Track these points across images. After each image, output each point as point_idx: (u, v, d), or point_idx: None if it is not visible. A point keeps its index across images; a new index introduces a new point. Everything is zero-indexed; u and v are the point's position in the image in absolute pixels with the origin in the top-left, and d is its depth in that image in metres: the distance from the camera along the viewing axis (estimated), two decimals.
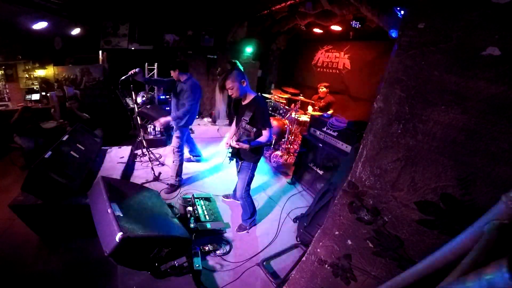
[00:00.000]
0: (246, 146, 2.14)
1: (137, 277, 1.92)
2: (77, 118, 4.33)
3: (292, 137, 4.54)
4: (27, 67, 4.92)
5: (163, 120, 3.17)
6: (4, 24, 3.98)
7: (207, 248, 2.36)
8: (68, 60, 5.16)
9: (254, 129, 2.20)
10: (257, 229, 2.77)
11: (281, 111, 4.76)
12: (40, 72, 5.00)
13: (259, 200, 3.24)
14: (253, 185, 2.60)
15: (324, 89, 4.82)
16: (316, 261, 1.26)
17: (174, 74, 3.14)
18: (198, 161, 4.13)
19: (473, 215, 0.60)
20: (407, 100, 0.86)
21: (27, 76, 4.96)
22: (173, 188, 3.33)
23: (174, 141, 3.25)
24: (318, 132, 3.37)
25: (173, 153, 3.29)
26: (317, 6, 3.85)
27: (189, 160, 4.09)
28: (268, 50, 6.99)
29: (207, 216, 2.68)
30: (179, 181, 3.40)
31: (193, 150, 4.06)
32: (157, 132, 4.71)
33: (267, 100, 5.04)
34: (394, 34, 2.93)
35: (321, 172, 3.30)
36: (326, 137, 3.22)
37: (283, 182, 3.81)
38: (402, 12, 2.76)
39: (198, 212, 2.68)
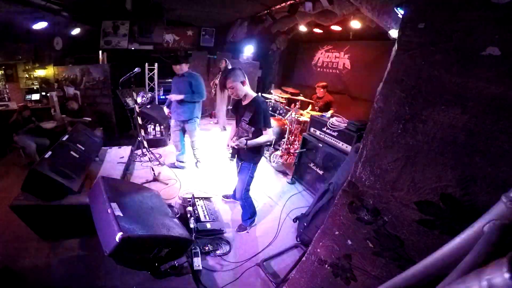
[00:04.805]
0: (245, 145, 2.14)
1: (137, 277, 1.92)
2: (77, 117, 4.32)
3: (292, 137, 4.54)
4: (27, 67, 4.91)
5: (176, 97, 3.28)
6: (4, 24, 3.98)
7: (207, 248, 2.37)
8: (68, 60, 5.15)
9: (253, 129, 2.20)
10: (257, 229, 2.77)
11: (281, 111, 4.75)
12: (40, 72, 4.99)
13: (259, 200, 3.23)
14: (253, 185, 2.60)
15: (322, 89, 4.81)
16: (316, 261, 1.26)
17: (180, 67, 3.21)
18: (181, 167, 3.91)
19: (473, 215, 0.60)
20: (407, 100, 0.86)
21: (27, 76, 4.94)
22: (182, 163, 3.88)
23: (192, 135, 3.59)
24: (318, 132, 3.37)
25: (193, 148, 3.76)
26: (316, 6, 3.85)
27: (172, 166, 3.91)
28: (268, 50, 6.99)
29: (207, 216, 2.68)
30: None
31: (182, 154, 3.94)
32: (157, 132, 4.71)
33: (267, 100, 5.04)
34: (394, 34, 2.93)
35: (321, 172, 3.29)
36: (326, 137, 3.22)
37: (283, 182, 3.81)
38: (402, 12, 2.75)
39: (198, 212, 2.69)
